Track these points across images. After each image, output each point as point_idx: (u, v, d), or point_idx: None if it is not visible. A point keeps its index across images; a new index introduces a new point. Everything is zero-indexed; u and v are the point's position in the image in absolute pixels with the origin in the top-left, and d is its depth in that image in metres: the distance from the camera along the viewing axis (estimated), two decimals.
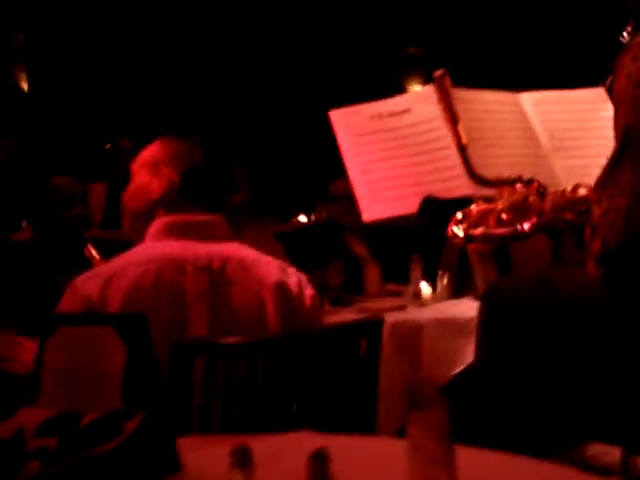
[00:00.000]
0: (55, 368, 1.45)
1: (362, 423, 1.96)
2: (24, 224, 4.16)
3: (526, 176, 1.99)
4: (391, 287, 4.05)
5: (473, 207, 1.96)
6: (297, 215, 7.09)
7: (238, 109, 8.41)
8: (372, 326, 1.99)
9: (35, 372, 1.47)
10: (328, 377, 1.95)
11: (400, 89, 8.31)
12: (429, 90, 2.19)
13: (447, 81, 2.13)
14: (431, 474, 0.95)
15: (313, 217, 6.67)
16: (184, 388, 1.80)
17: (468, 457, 1.27)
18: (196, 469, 1.39)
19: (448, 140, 2.15)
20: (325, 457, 1.03)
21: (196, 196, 2.17)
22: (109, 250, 3.29)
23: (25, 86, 8.36)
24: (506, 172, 2.03)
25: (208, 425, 1.83)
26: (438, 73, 2.11)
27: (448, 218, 2.05)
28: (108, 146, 6.85)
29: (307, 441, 1.52)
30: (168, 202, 2.15)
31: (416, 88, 8.51)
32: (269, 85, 8.52)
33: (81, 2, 8.18)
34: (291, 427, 1.79)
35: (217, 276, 2.05)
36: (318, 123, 2.32)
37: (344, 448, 1.32)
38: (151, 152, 2.23)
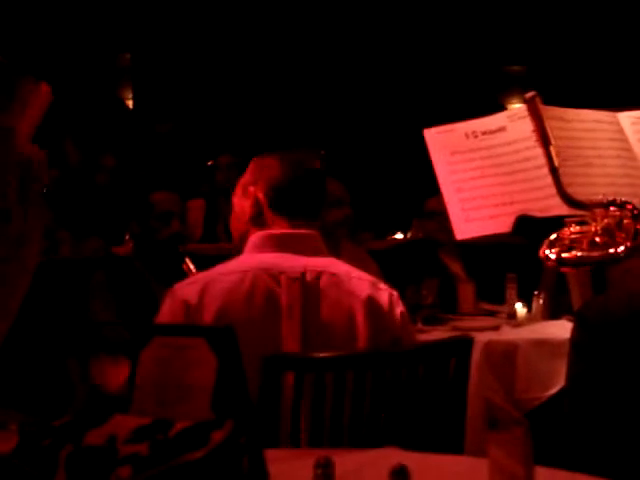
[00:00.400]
0: (148, 377, 1.50)
1: (449, 442, 1.95)
2: (127, 237, 4.28)
3: (623, 196, 1.95)
4: (485, 306, 4.01)
5: (566, 230, 1.93)
6: (394, 233, 7.08)
7: (339, 127, 8.46)
8: (461, 345, 1.98)
9: (129, 381, 1.52)
10: (416, 395, 1.95)
11: (500, 107, 8.23)
12: (524, 109, 2.17)
13: (538, 103, 2.10)
14: None
15: (409, 234, 6.66)
16: (273, 400, 1.82)
17: (550, 478, 1.26)
18: None
19: (543, 159, 2.13)
20: (406, 473, 1.03)
21: (284, 211, 2.21)
22: (207, 265, 3.36)
23: (130, 104, 8.58)
24: (603, 192, 2.00)
25: (296, 438, 1.85)
26: (529, 95, 2.09)
27: (543, 237, 2.03)
28: (210, 163, 6.98)
29: (391, 457, 1.53)
30: (258, 220, 2.20)
31: (516, 105, 8.43)
32: (369, 103, 8.55)
33: (187, 22, 8.37)
34: (378, 443, 1.80)
35: (310, 288, 2.08)
36: (417, 141, 2.33)
37: (428, 466, 1.33)
38: (244, 174, 2.31)
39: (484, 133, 2.24)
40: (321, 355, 1.89)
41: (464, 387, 1.96)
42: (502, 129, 2.23)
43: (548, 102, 2.10)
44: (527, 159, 2.16)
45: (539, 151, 2.10)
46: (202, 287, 2.08)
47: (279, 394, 1.83)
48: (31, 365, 2.95)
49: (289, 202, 2.22)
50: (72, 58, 7.74)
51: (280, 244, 2.16)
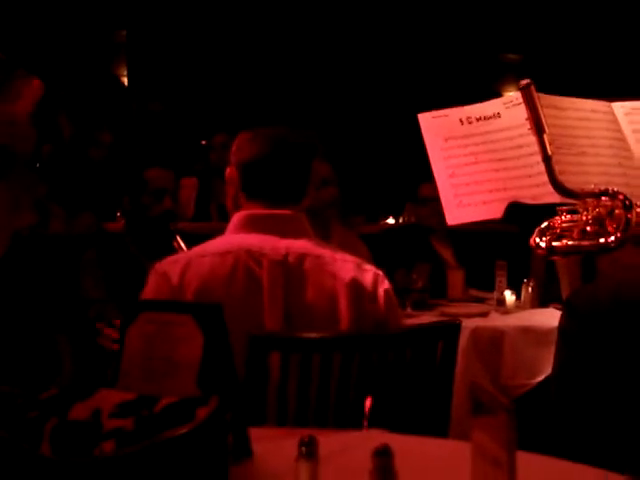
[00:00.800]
0: (134, 353, 1.50)
1: (435, 426, 1.96)
2: (118, 214, 4.27)
3: (615, 186, 1.95)
4: (474, 293, 4.02)
5: (557, 218, 1.94)
6: (385, 217, 7.09)
7: (334, 109, 8.45)
8: (449, 329, 1.99)
9: (116, 356, 1.52)
10: (403, 378, 1.95)
11: (495, 95, 8.21)
12: (519, 96, 2.17)
13: (533, 91, 2.10)
14: (492, 477, 0.95)
15: (401, 219, 6.66)
16: (259, 379, 1.83)
17: (534, 463, 1.27)
18: (265, 458, 1.42)
19: (536, 147, 2.12)
20: (389, 453, 1.04)
21: (255, 193, 2.17)
22: (198, 243, 3.35)
23: (125, 81, 8.55)
24: (595, 181, 2.00)
25: (282, 418, 1.85)
26: (523, 82, 2.08)
27: (535, 224, 2.03)
28: (204, 142, 6.96)
29: (375, 439, 1.53)
30: (236, 202, 2.18)
31: (511, 93, 8.40)
32: (363, 87, 8.54)
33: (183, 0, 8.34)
34: (363, 425, 1.80)
35: (292, 270, 2.07)
36: (411, 126, 2.32)
37: (411, 447, 1.33)
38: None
39: (479, 119, 2.24)
40: (308, 335, 1.89)
41: (451, 371, 1.97)
42: (497, 115, 2.22)
43: (543, 91, 2.09)
44: (520, 146, 2.15)
45: (533, 139, 2.10)
46: (183, 266, 2.06)
47: (265, 373, 1.84)
48: (20, 340, 2.95)
49: (260, 183, 2.17)
50: (68, 34, 7.70)
51: (261, 225, 2.13)
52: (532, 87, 2.05)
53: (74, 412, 1.31)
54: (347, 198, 4.95)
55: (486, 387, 1.00)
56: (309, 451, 1.09)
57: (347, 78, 8.55)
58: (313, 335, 1.89)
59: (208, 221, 5.26)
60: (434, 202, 4.25)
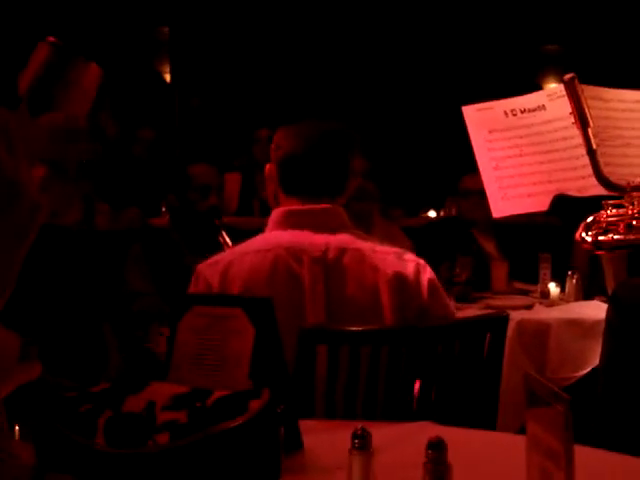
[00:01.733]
0: (186, 346, 1.52)
1: (482, 419, 1.95)
2: (163, 209, 4.31)
3: None
4: (518, 285, 4.00)
5: (603, 213, 1.92)
6: (426, 210, 7.07)
7: (373, 102, 8.44)
8: (497, 321, 1.98)
9: (167, 349, 1.54)
10: (451, 370, 1.95)
11: (536, 87, 8.17)
12: (564, 88, 2.16)
13: (577, 85, 2.08)
14: (548, 470, 0.95)
15: (442, 213, 6.65)
16: (308, 372, 1.84)
17: (588, 456, 1.27)
18: (316, 451, 1.43)
19: (581, 139, 2.11)
20: (443, 446, 1.04)
21: (293, 187, 2.16)
22: (242, 237, 3.38)
23: (168, 78, 8.60)
24: None
25: (331, 411, 1.86)
26: (567, 77, 2.07)
27: (580, 217, 2.02)
28: (245, 138, 6.99)
29: (425, 431, 1.54)
30: (276, 199, 2.18)
31: (552, 85, 8.34)
32: (405, 79, 8.52)
33: None
34: (412, 417, 1.81)
35: (332, 266, 2.06)
36: (453, 119, 2.31)
37: (461, 440, 1.34)
38: None
39: (523, 111, 2.23)
40: (357, 328, 1.90)
41: (499, 364, 1.96)
42: (541, 108, 2.21)
43: (585, 82, 2.08)
44: (565, 138, 2.14)
45: (576, 131, 2.09)
46: (223, 268, 2.07)
47: (314, 366, 1.85)
48: (67, 333, 2.99)
49: (296, 179, 2.16)
50: (111, 31, 7.76)
51: (299, 221, 2.12)
52: (576, 81, 2.04)
53: (128, 405, 1.33)
54: (386, 191, 4.95)
55: (540, 378, 1.00)
56: (362, 444, 1.10)
57: (389, 71, 8.53)
58: (362, 328, 1.90)
59: (251, 215, 5.29)
60: (476, 194, 4.25)
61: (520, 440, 1.42)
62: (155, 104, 8.03)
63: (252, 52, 8.43)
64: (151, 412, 1.31)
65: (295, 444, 1.43)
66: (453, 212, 5.79)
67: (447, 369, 1.94)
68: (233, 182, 5.18)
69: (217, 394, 1.30)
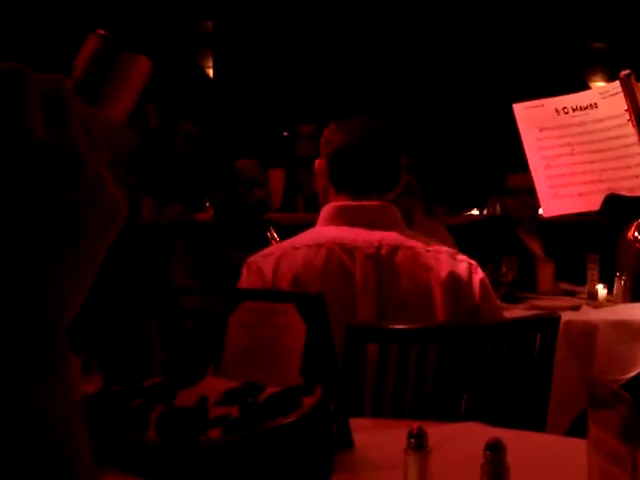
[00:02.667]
0: (236, 341, 1.51)
1: (532, 420, 1.93)
2: (207, 204, 4.32)
3: None
4: (564, 286, 3.96)
5: None
6: (470, 209, 7.03)
7: (417, 100, 8.41)
8: (549, 322, 1.96)
9: (217, 344, 1.54)
10: (500, 370, 1.93)
11: (583, 84, 8.09)
12: (616, 86, 2.13)
13: (633, 82, 2.06)
14: (611, 473, 0.93)
15: (486, 212, 6.60)
16: (357, 370, 1.83)
17: None
18: (367, 449, 1.42)
19: (633, 138, 2.09)
20: (501, 447, 1.03)
21: (343, 182, 2.15)
22: (286, 233, 3.38)
23: (210, 73, 8.63)
24: None
25: (379, 409, 1.85)
26: (624, 73, 2.04)
27: (630, 218, 2.00)
28: (286, 133, 6.99)
29: (478, 431, 1.52)
30: (326, 195, 2.17)
31: (599, 84, 8.27)
32: (450, 77, 8.48)
33: None
34: (461, 417, 1.79)
35: (385, 263, 2.05)
36: (497, 117, 2.29)
37: (515, 441, 1.32)
38: None
39: (575, 109, 2.21)
40: (406, 327, 1.89)
41: (549, 365, 1.94)
42: (593, 106, 2.19)
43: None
44: (618, 137, 2.12)
45: (630, 129, 2.06)
46: (276, 259, 2.06)
47: (363, 364, 1.84)
48: (112, 328, 3.00)
49: (347, 174, 2.15)
50: (154, 25, 7.80)
51: (351, 217, 2.11)
52: (632, 77, 2.02)
53: (180, 399, 1.33)
54: (430, 189, 4.92)
55: (602, 380, 0.98)
56: (419, 443, 1.08)
57: (434, 68, 8.49)
58: (411, 326, 1.88)
59: (294, 212, 5.27)
60: (522, 193, 4.22)
61: (572, 442, 1.40)
62: (198, 99, 8.06)
63: (295, 47, 8.43)
64: (203, 407, 1.31)
65: (346, 442, 1.42)
66: (497, 211, 5.75)
67: (497, 369, 1.92)
68: (277, 178, 5.16)
69: (269, 390, 1.30)
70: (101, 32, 0.63)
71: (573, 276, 3.95)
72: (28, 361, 0.50)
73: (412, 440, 1.09)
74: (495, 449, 1.03)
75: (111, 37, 0.62)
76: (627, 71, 2.00)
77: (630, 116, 2.00)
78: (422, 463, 1.09)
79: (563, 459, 1.34)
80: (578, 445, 1.34)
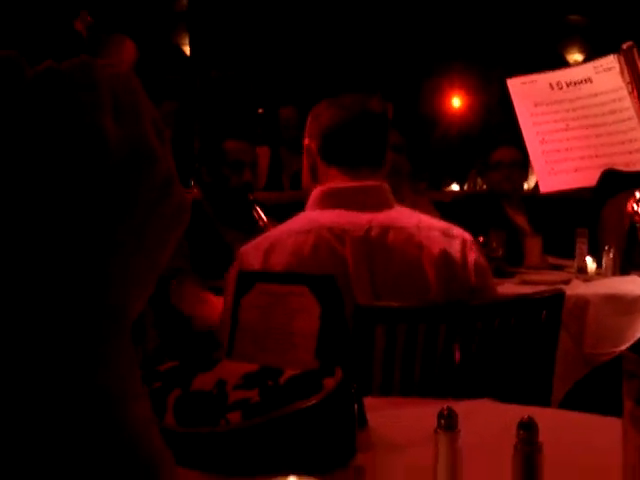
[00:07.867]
0: (249, 324, 1.51)
1: (537, 395, 1.94)
2: (192, 183, 4.28)
3: None
4: (552, 260, 3.97)
5: None
6: (449, 184, 7.05)
7: (398, 75, 8.40)
8: (554, 299, 1.96)
9: (231, 328, 1.53)
10: (507, 347, 1.94)
11: (559, 58, 8.11)
12: (611, 60, 2.13)
13: (635, 54, 2.06)
14: None
15: (466, 186, 6.62)
16: (366, 350, 1.83)
17: None
18: (381, 428, 1.42)
19: (631, 112, 2.09)
20: (534, 426, 1.03)
21: (335, 161, 2.12)
22: (272, 212, 3.36)
23: (187, 50, 8.56)
24: None
25: (388, 388, 1.85)
26: (626, 45, 2.04)
27: (617, 191, 2.01)
28: (261, 110, 6.95)
29: (487, 409, 1.53)
30: (315, 175, 2.15)
31: (575, 56, 8.28)
32: (424, 51, 8.47)
33: None
34: (466, 394, 1.80)
35: (376, 245, 2.02)
36: (474, 90, 2.27)
37: (549, 420, 1.32)
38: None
39: (569, 84, 2.21)
40: (414, 306, 1.88)
41: (555, 341, 1.95)
42: (588, 80, 2.19)
43: (608, 54, 2.06)
44: (613, 112, 2.12)
45: (625, 104, 2.07)
46: (265, 250, 2.03)
47: (372, 343, 1.83)
48: None
49: (340, 151, 2.12)
50: (129, 3, 7.72)
51: (342, 200, 2.08)
52: (634, 49, 2.02)
53: (197, 383, 1.32)
54: (413, 165, 4.91)
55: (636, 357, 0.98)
56: (449, 423, 1.08)
57: (409, 42, 8.47)
58: (420, 304, 1.88)
59: (279, 190, 5.26)
60: (506, 167, 4.22)
61: (597, 420, 1.41)
62: (175, 77, 8.00)
63: (270, 23, 8.38)
64: (222, 390, 1.30)
65: (361, 421, 1.42)
66: (478, 185, 5.77)
67: (504, 346, 1.93)
68: (262, 157, 5.13)
69: (288, 372, 1.29)
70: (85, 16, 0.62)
71: (556, 250, 3.97)
72: (96, 340, 0.50)
73: (442, 421, 1.08)
74: (528, 428, 1.03)
75: (93, 21, 0.62)
76: (629, 43, 2.00)
77: (632, 89, 2.00)
78: (452, 443, 1.08)
79: (591, 436, 1.35)
80: (605, 422, 1.36)
